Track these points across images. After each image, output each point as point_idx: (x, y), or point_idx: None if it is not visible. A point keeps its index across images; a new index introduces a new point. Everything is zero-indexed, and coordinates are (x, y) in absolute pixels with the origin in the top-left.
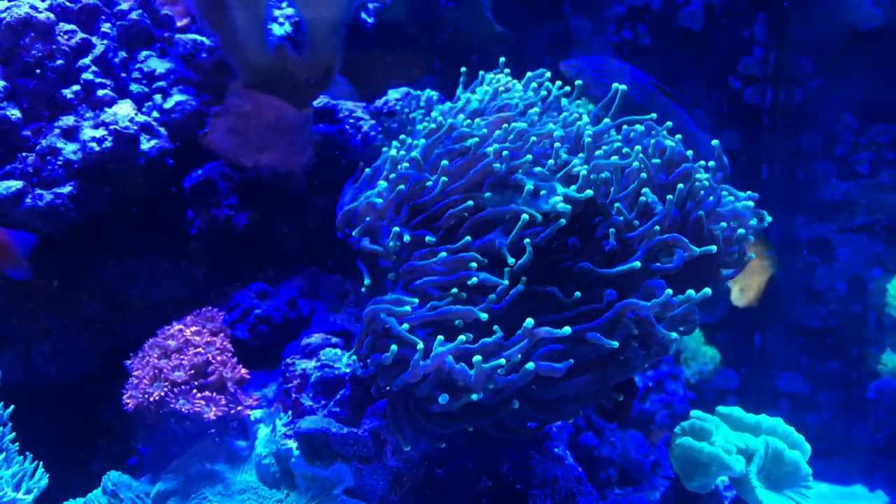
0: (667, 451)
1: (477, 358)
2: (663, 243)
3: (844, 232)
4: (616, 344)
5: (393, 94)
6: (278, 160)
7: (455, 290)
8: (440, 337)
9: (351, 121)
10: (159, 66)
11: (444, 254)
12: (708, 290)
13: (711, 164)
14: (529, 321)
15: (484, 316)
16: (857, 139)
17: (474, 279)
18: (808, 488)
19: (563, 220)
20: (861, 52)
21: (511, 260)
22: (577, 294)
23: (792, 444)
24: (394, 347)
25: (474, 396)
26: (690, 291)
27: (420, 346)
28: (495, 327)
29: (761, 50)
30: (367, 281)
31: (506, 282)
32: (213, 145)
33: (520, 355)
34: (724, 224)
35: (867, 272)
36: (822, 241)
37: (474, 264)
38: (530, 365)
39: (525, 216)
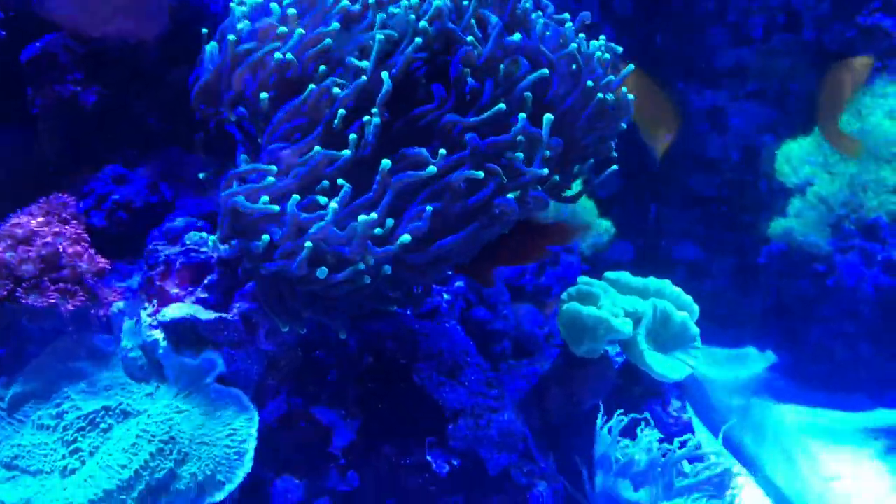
0: None
1: (363, 218)
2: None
3: (737, 99)
4: (481, 174)
5: None
6: (128, 28)
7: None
8: (295, 196)
9: None
10: None
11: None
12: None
13: None
14: (386, 162)
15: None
16: (749, 4)
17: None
18: (696, 348)
19: (419, 40)
20: None
21: (364, 63)
22: (443, 151)
23: (680, 305)
24: (266, 237)
25: (364, 272)
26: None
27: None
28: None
29: None
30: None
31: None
32: (52, 14)
33: (391, 219)
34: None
35: (759, 139)
36: (715, 109)
37: (337, 89)
38: (405, 237)
39: (380, 36)
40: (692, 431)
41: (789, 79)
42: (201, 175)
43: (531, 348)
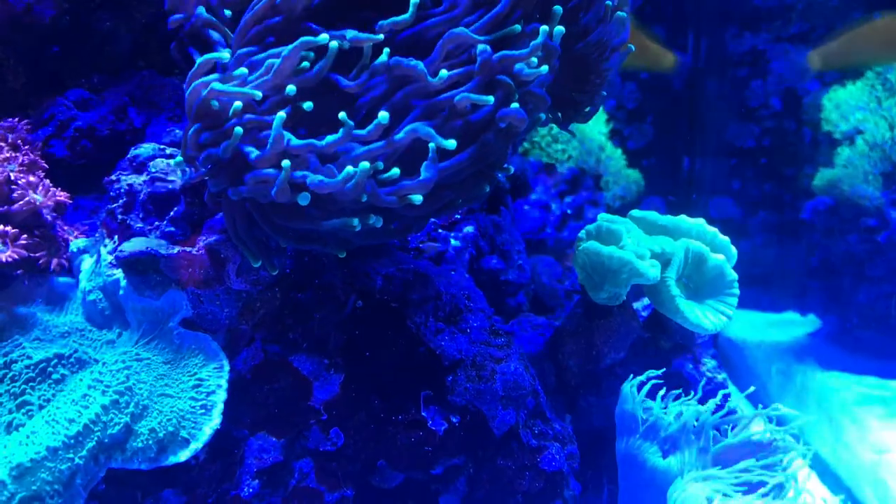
0: None
1: (364, 165)
2: None
3: (780, 42)
4: (491, 99)
5: None
6: None
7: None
8: (280, 114)
9: None
10: None
11: None
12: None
13: None
14: (384, 115)
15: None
16: None
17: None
18: (732, 296)
19: None
20: None
21: None
22: (444, 73)
23: (716, 247)
24: (239, 130)
25: (355, 222)
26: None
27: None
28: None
29: None
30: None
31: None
32: None
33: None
34: None
35: (803, 85)
36: (755, 52)
37: None
38: (416, 198)
39: None
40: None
41: (837, 19)
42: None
43: (551, 303)
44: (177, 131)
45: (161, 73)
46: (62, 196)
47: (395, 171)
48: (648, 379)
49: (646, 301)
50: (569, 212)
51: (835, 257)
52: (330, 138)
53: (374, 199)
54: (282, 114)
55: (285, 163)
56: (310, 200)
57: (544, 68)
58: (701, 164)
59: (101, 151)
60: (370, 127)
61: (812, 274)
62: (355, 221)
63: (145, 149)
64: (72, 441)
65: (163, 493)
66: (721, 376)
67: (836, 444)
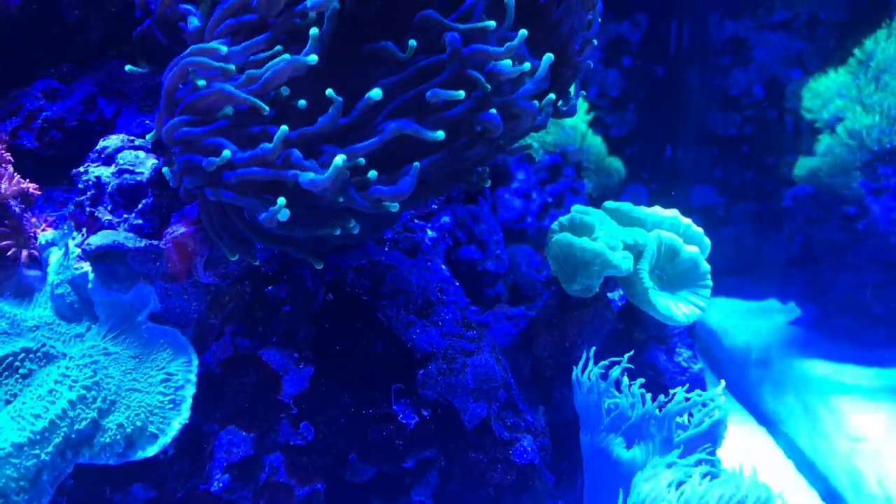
0: None
1: (340, 158)
2: None
3: (763, 29)
4: (461, 94)
5: None
6: None
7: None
8: (284, 128)
9: None
10: None
11: None
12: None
13: None
14: (377, 91)
15: (313, 59)
16: None
17: None
18: (705, 288)
19: None
20: None
21: None
22: (413, 42)
23: (689, 239)
24: (227, 153)
25: (337, 231)
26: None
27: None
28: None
29: None
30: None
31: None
32: None
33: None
34: None
35: (786, 73)
36: (737, 40)
37: None
38: (394, 206)
39: None
40: (703, 383)
41: (820, 6)
42: (135, 69)
43: (529, 293)
44: (147, 122)
45: (131, 62)
46: (29, 186)
47: (373, 173)
48: (605, 368)
49: (621, 292)
50: (549, 200)
51: (815, 245)
52: (322, 119)
53: (349, 203)
54: (285, 127)
55: (281, 200)
56: (289, 211)
57: (526, 65)
58: (683, 153)
59: (71, 142)
60: (354, 113)
61: (793, 262)
62: (337, 231)
63: (113, 140)
64: (38, 437)
65: (132, 488)
66: (697, 366)
67: (813, 432)
